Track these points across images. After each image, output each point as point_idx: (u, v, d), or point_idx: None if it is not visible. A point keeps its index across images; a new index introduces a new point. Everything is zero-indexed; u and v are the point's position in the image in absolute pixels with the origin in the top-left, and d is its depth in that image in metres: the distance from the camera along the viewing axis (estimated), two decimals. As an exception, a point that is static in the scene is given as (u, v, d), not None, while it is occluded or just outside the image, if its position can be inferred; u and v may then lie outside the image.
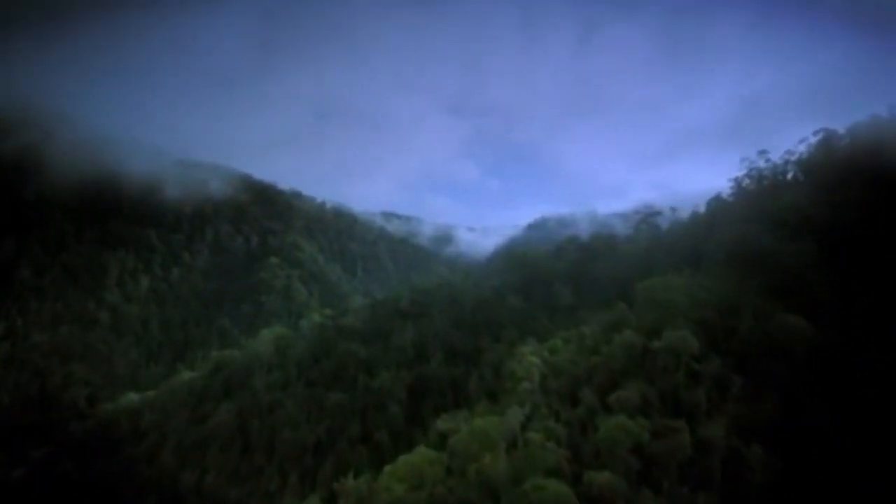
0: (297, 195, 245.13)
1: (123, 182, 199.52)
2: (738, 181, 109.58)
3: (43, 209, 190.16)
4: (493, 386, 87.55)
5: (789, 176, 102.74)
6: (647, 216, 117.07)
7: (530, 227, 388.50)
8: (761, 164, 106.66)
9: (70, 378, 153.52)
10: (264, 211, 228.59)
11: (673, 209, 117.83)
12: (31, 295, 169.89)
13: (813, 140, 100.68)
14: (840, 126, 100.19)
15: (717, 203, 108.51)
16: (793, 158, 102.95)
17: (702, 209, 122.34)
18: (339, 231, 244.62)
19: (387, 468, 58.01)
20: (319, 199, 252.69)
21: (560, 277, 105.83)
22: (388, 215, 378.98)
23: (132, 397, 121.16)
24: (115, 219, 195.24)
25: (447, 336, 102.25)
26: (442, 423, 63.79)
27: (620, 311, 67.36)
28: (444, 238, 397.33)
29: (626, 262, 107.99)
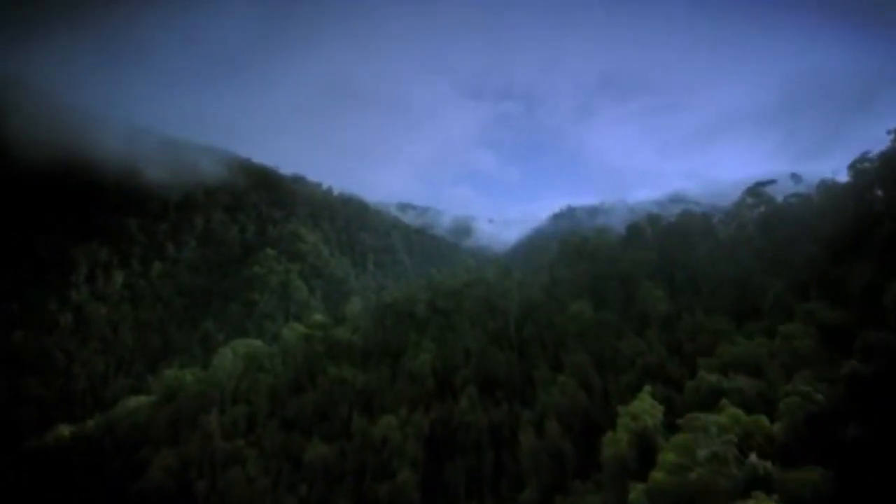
0: (300, 180, 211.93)
1: (100, 164, 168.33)
2: (900, 133, 72.53)
3: (9, 194, 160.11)
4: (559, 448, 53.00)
5: None
6: (757, 187, 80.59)
7: (556, 217, 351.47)
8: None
9: (20, 393, 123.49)
10: (263, 197, 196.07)
11: (795, 176, 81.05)
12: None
13: None
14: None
15: (875, 167, 71.73)
16: None
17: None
18: (347, 220, 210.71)
19: None
20: (326, 185, 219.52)
21: (645, 273, 70.44)
22: (404, 206, 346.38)
23: (63, 430, 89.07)
24: (89, 206, 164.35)
25: (483, 359, 67.76)
26: None
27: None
28: (463, 230, 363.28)
29: (740, 251, 72.26)
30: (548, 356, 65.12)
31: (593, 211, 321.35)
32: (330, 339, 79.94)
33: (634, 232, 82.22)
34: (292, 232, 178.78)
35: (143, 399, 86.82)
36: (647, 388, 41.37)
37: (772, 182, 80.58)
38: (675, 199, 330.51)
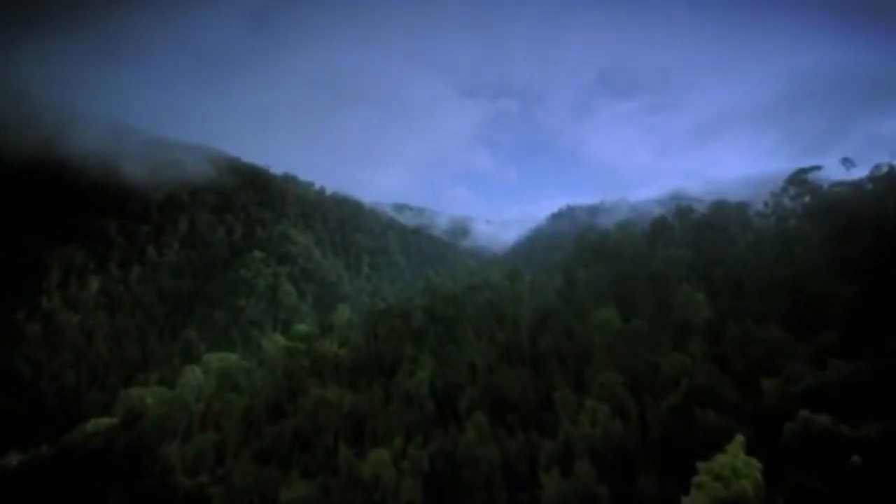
0: (291, 180, 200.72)
1: (77, 161, 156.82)
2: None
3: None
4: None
5: None
6: (799, 174, 69.98)
7: (555, 216, 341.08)
8: None
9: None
10: (252, 197, 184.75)
11: (847, 161, 70.44)
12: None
13: None
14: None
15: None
16: None
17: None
18: (341, 220, 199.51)
19: None
20: (318, 185, 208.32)
21: (679, 273, 59.67)
22: (400, 206, 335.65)
23: (11, 459, 77.59)
24: (64, 206, 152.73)
25: (492, 377, 56.84)
26: None
27: None
28: (461, 230, 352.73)
29: (791, 248, 61.57)
30: (569, 374, 54.21)
31: (594, 210, 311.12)
32: (314, 352, 68.79)
33: (660, 227, 71.46)
34: (282, 233, 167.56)
35: (102, 422, 75.39)
36: (740, 437, 30.36)
37: (816, 168, 69.99)
38: (676, 197, 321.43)
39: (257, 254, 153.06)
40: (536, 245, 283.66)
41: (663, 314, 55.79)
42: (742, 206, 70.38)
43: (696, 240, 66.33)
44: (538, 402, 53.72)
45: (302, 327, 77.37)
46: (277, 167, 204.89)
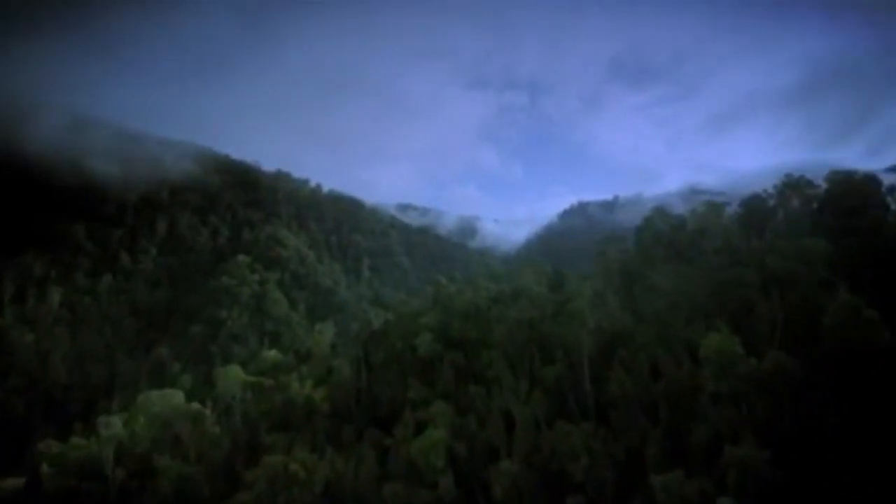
0: (283, 177, 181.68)
1: (37, 157, 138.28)
2: None
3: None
4: None
5: None
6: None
7: (567, 213, 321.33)
8: None
9: None
10: (240, 197, 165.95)
11: None
12: None
13: None
14: None
15: None
16: None
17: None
18: (338, 220, 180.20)
19: None
20: (314, 182, 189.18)
21: (819, 276, 39.52)
22: (404, 207, 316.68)
23: None
24: (23, 208, 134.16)
25: (541, 440, 36.95)
26: None
27: None
28: (469, 230, 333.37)
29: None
30: (668, 438, 34.15)
31: (608, 206, 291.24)
32: (284, 393, 49.02)
33: (757, 210, 51.26)
34: (272, 235, 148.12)
35: (8, 484, 56.04)
36: None
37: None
38: (696, 191, 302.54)
39: (242, 258, 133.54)
40: (551, 243, 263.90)
41: (807, 336, 35.60)
42: (873, 181, 50.02)
43: (820, 227, 46.12)
44: (617, 482, 33.76)
45: (272, 354, 57.69)
46: (271, 165, 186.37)
